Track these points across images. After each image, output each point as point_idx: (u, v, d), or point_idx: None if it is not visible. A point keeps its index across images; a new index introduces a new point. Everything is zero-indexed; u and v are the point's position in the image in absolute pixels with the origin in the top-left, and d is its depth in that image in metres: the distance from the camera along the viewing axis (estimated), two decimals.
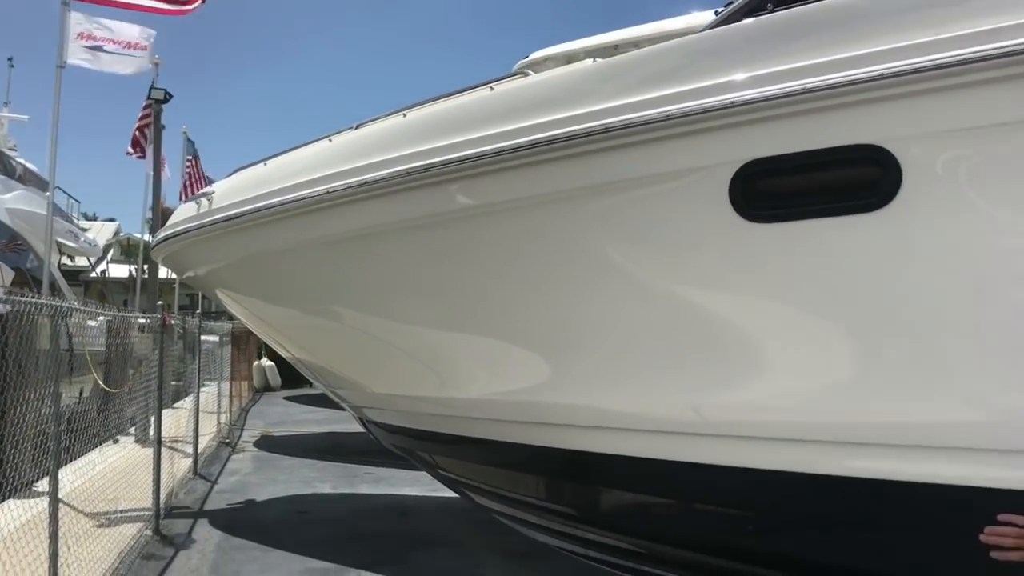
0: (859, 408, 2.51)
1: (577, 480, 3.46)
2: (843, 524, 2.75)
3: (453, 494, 6.43)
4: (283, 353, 4.76)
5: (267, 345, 17.73)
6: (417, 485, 7.26)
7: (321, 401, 14.70)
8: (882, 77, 2.19)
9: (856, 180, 2.33)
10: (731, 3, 2.74)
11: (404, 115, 3.36)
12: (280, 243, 3.58)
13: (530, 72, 3.05)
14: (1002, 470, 2.32)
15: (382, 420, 4.20)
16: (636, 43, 6.24)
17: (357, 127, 3.55)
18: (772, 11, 2.52)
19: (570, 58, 6.40)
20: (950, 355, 2.32)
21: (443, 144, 2.94)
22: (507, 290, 3.06)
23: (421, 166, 2.99)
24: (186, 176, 13.36)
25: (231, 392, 11.99)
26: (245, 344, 14.94)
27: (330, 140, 3.62)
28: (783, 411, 2.65)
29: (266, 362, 17.77)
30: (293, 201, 3.38)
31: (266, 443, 10.26)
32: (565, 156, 2.71)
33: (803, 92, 2.30)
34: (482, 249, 3.03)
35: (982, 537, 2.25)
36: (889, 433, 2.47)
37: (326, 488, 7.49)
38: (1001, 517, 2.23)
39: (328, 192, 3.23)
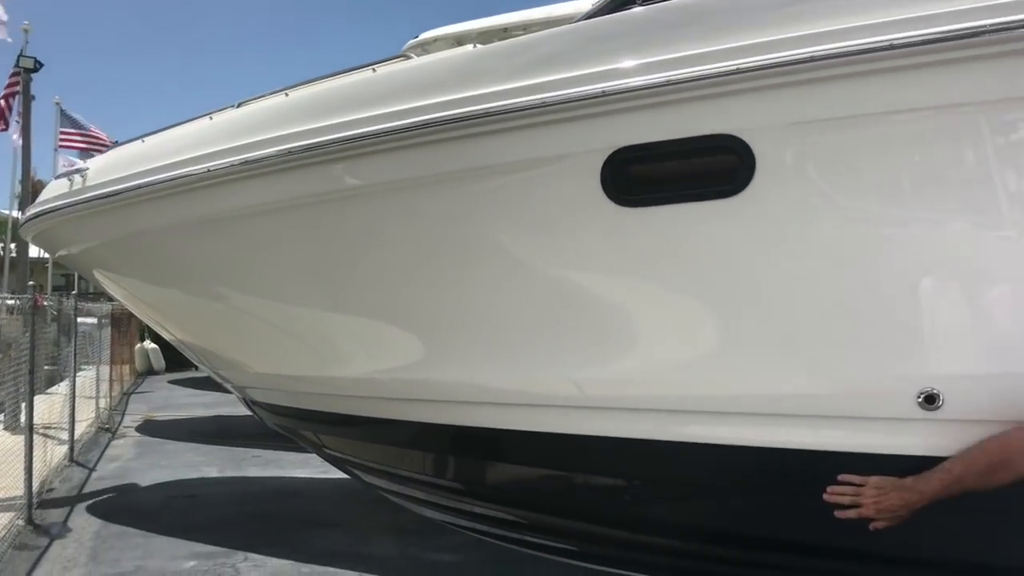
0: (722, 380, 2.69)
1: (462, 455, 3.56)
2: (713, 489, 2.95)
3: (343, 475, 6.47)
4: (165, 334, 4.67)
5: (150, 327, 17.16)
6: (307, 467, 7.22)
7: (207, 384, 14.28)
8: (737, 72, 2.35)
9: (714, 168, 2.50)
10: None
11: (287, 94, 3.35)
12: (159, 222, 3.52)
13: (413, 55, 3.10)
14: (846, 435, 2.54)
15: (266, 400, 4.19)
16: (526, 27, 6.35)
17: (238, 105, 3.52)
18: (640, 4, 2.66)
19: (459, 39, 6.45)
20: (797, 331, 2.52)
21: (325, 124, 2.97)
22: (388, 270, 3.12)
23: (303, 146, 3.00)
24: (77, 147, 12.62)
25: (111, 376, 11.54)
26: (126, 326, 14.39)
27: (211, 118, 3.57)
28: (656, 384, 2.81)
29: (149, 344, 17.12)
30: (172, 180, 3.33)
31: (149, 428, 9.95)
32: (445, 139, 2.79)
33: (667, 84, 2.45)
34: (363, 229, 3.07)
35: (825, 496, 2.49)
36: (749, 403, 2.66)
37: (212, 472, 7.36)
38: (840, 478, 2.47)
39: (209, 171, 3.20)
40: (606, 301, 2.84)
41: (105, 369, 10.89)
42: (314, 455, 7.17)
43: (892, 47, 2.20)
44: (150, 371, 17.10)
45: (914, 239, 2.35)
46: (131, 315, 15.51)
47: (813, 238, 2.43)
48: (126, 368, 14.42)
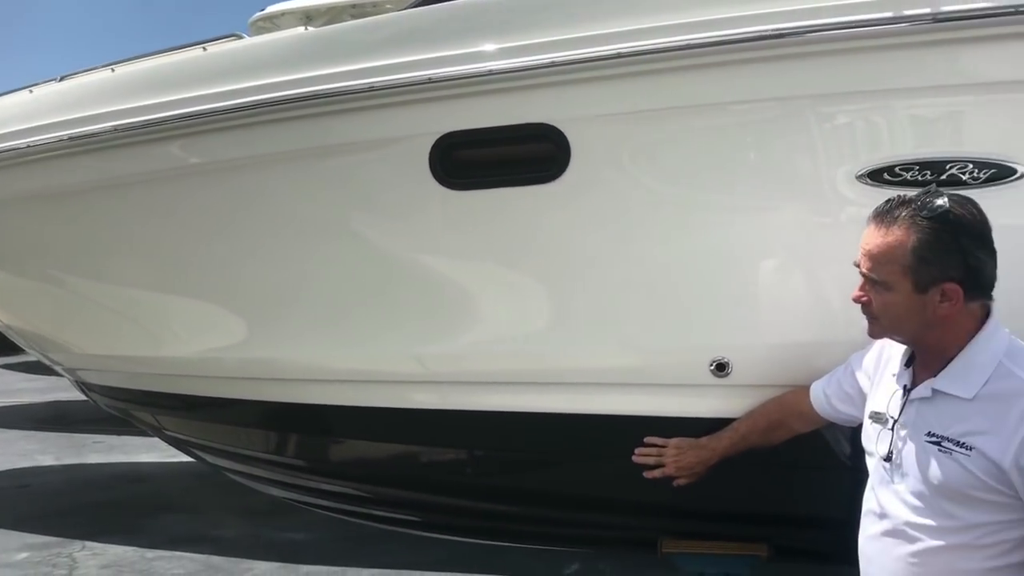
0: (549, 353, 2.88)
1: (304, 433, 3.61)
2: (548, 455, 3.15)
3: (190, 459, 6.35)
4: None
5: None
6: (154, 451, 7.02)
7: (41, 368, 13.51)
8: (552, 64, 2.52)
9: (535, 154, 2.66)
10: None
11: (113, 70, 3.28)
12: None
13: (243, 35, 3.11)
14: (654, 401, 2.78)
15: (100, 383, 4.09)
16: (376, 3, 6.36)
17: (61, 79, 3.40)
18: None
19: (308, 14, 6.41)
20: (610, 307, 2.74)
21: (154, 102, 2.94)
22: (224, 248, 3.14)
23: (130, 124, 2.96)
24: None
25: None
26: None
27: (31, 91, 3.44)
28: (490, 358, 2.97)
29: None
30: None
31: None
32: (275, 120, 2.83)
33: (489, 73, 2.59)
34: (195, 208, 3.07)
35: (634, 458, 2.74)
36: (575, 375, 2.86)
37: (48, 460, 7.04)
38: (646, 440, 2.72)
39: (30, 146, 3.10)
40: (439, 279, 2.98)
41: None
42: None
43: (689, 47, 2.43)
44: None
45: (707, 223, 2.60)
46: None
47: (622, 222, 2.65)
48: None
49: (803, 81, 2.41)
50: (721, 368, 2.57)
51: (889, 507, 1.82)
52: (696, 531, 2.97)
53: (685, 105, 2.52)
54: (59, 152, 3.10)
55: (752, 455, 2.60)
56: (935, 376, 1.77)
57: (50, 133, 3.10)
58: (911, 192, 1.79)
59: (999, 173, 2.26)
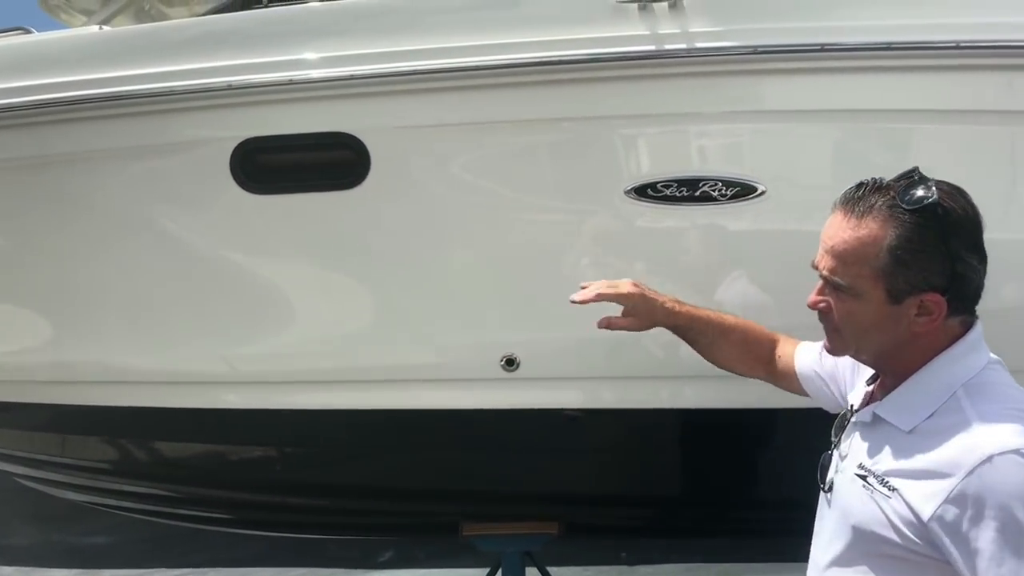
0: (352, 352, 3.01)
1: (107, 435, 3.54)
2: (354, 450, 3.29)
3: None
4: None
5: None
6: None
7: None
8: (352, 77, 2.65)
9: (336, 161, 2.78)
10: None
11: None
12: None
13: (33, 29, 3.01)
14: (450, 395, 2.97)
15: None
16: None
17: None
18: (267, 6, 2.87)
19: None
20: (407, 307, 2.90)
21: None
22: (21, 248, 3.07)
23: None
24: None
25: None
26: None
27: None
28: (292, 358, 3.05)
29: None
30: None
31: None
32: (71, 120, 2.79)
33: (290, 83, 2.68)
34: None
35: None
36: (375, 372, 2.99)
37: None
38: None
39: None
40: (242, 282, 3.03)
41: None
42: None
43: (478, 68, 2.62)
44: None
45: (495, 230, 2.81)
46: None
47: (418, 227, 2.81)
48: None
49: (578, 104, 2.67)
50: (511, 363, 2.80)
51: (816, 545, 1.57)
52: (494, 513, 3.20)
53: (476, 121, 2.72)
54: None
55: (535, 441, 2.87)
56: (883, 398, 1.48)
57: None
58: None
59: (743, 191, 2.61)
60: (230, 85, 2.69)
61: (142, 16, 6.09)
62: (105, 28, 3.04)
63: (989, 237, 1.40)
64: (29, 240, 3.07)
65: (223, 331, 3.06)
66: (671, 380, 2.81)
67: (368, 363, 2.99)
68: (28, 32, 2.99)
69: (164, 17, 6.13)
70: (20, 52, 2.94)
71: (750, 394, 2.77)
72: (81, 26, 5.56)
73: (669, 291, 2.71)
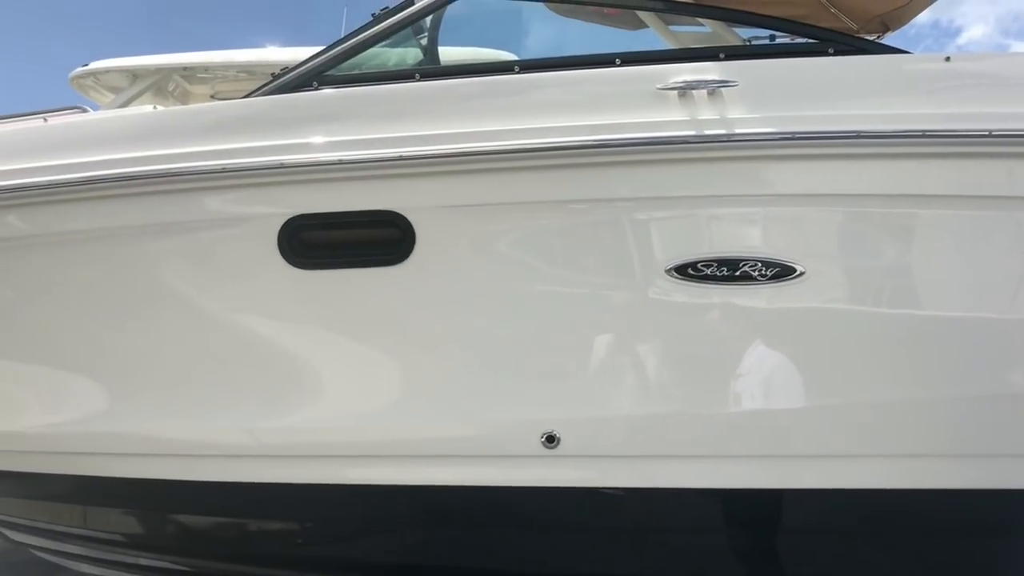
0: (387, 427, 3.02)
1: (129, 507, 3.52)
2: (382, 526, 3.25)
3: None
4: None
5: None
6: None
7: None
8: (400, 158, 2.73)
9: (379, 239, 2.84)
10: (282, 73, 3.12)
11: None
12: None
13: (88, 108, 3.11)
14: (489, 472, 2.97)
15: None
16: (207, 67, 6.36)
17: None
18: (317, 88, 2.97)
19: (136, 73, 6.28)
20: (449, 382, 2.92)
21: None
22: (67, 322, 3.09)
23: None
24: None
25: None
26: None
27: None
28: (327, 432, 3.06)
29: None
30: None
31: None
32: (122, 195, 2.85)
33: (339, 163, 2.76)
34: (34, 279, 3.00)
35: None
36: (411, 447, 3.00)
37: None
38: None
39: None
40: (281, 355, 3.05)
41: None
42: None
43: (523, 151, 2.71)
44: None
45: (538, 308, 2.85)
46: None
47: (462, 303, 2.86)
48: None
49: (621, 186, 2.75)
50: (551, 440, 2.81)
51: None
52: None
53: (519, 201, 2.79)
54: None
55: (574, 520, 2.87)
56: None
57: None
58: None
59: (783, 271, 2.67)
60: (282, 164, 2.77)
61: (166, 94, 6.27)
62: (159, 108, 3.13)
63: None
64: (70, 313, 3.10)
65: (257, 404, 3.07)
66: (718, 459, 2.83)
67: (405, 438, 3.00)
68: (84, 111, 3.08)
69: (188, 95, 6.32)
70: (77, 130, 3.03)
71: (804, 475, 2.81)
72: (108, 103, 5.71)
73: (707, 369, 2.80)
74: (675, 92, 2.72)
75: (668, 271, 2.70)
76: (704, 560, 3.08)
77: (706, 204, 2.74)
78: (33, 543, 4.02)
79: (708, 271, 2.68)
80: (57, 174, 2.84)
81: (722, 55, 2.87)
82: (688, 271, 2.69)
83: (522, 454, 2.86)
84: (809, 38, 3.00)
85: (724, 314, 2.76)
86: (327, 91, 2.99)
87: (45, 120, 3.06)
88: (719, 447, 2.84)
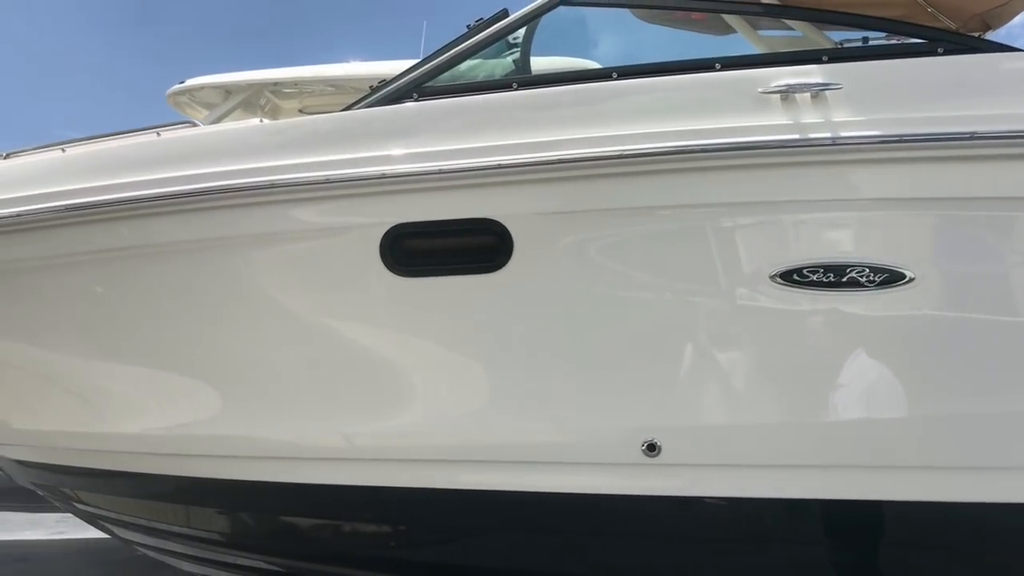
0: (480, 432, 3.04)
1: (230, 508, 3.63)
2: (476, 532, 3.26)
3: (83, 536, 6.09)
4: None
5: None
6: (39, 528, 6.68)
7: None
8: (498, 167, 2.77)
9: (478, 246, 2.88)
10: (381, 86, 3.20)
11: (63, 150, 3.33)
12: None
13: (199, 123, 3.23)
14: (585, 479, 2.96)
15: (18, 456, 3.98)
16: (297, 83, 6.55)
17: (6, 156, 3.42)
18: (416, 100, 3.03)
19: (229, 89, 6.50)
20: (545, 388, 2.93)
21: (108, 183, 3.01)
22: (176, 328, 3.20)
23: (80, 203, 3.02)
24: None
25: None
26: None
27: None
28: (421, 436, 3.10)
29: None
30: None
31: None
32: (233, 206, 2.96)
33: (439, 172, 2.81)
34: (147, 287, 3.12)
35: None
36: (506, 452, 3.02)
37: None
38: None
39: None
40: (380, 361, 3.11)
41: None
42: (47, 515, 6.73)
43: (621, 156, 2.71)
44: None
45: (637, 314, 2.84)
46: None
47: (560, 309, 2.87)
48: None
49: (722, 191, 2.73)
50: (652, 448, 2.80)
51: None
52: None
53: (620, 207, 2.79)
54: (5, 229, 3.11)
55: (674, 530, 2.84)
56: None
57: None
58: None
59: (892, 277, 2.60)
60: (383, 174, 2.83)
61: (256, 109, 6.48)
62: (265, 121, 3.24)
63: None
64: (179, 321, 3.22)
65: (350, 408, 3.13)
66: (819, 470, 2.77)
67: (501, 443, 3.02)
68: (195, 125, 3.20)
69: (278, 110, 6.52)
70: (188, 143, 3.16)
71: (908, 487, 2.73)
72: (204, 119, 5.92)
73: (812, 377, 2.75)
74: (777, 96, 2.69)
75: (772, 277, 2.66)
76: (802, 573, 3.02)
77: (812, 209, 2.69)
78: (138, 540, 4.18)
79: (814, 277, 2.63)
80: (171, 186, 2.96)
81: (825, 57, 2.82)
82: (793, 277, 2.65)
83: (622, 462, 2.85)
84: (917, 38, 2.92)
85: (829, 321, 2.71)
86: (426, 102, 3.04)
87: (158, 134, 3.20)
88: (822, 457, 2.78)
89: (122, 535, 4.23)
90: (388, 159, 2.87)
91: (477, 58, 3.28)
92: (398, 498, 3.18)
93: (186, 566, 4.19)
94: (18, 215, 3.07)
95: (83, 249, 3.10)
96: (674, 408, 2.81)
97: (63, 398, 3.47)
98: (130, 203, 2.98)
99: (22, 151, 3.44)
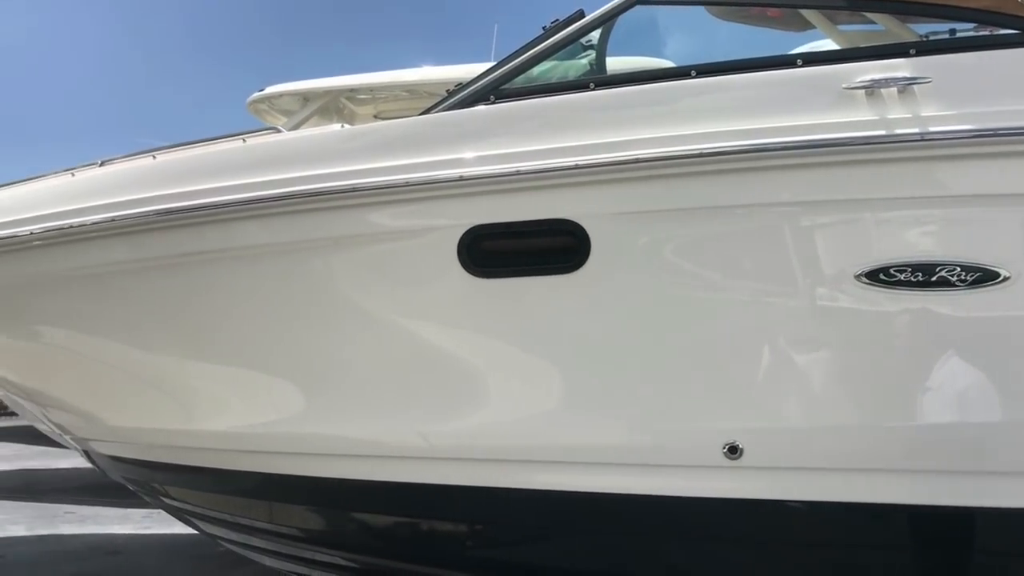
0: (557, 433, 3.05)
1: (311, 505, 3.71)
2: (549, 532, 3.26)
3: (169, 531, 6.30)
4: None
5: None
6: (127, 523, 6.94)
7: (6, 434, 13.16)
8: (576, 167, 2.77)
9: (555, 247, 2.88)
10: (458, 89, 3.23)
11: (154, 157, 3.46)
12: (18, 276, 3.48)
13: (282, 129, 3.32)
14: (662, 481, 2.94)
15: (112, 453, 4.15)
16: (372, 89, 6.67)
17: (102, 164, 3.57)
18: (493, 102, 3.05)
19: (306, 96, 6.67)
20: (624, 390, 2.92)
21: (197, 188, 3.12)
22: (261, 329, 3.29)
23: (169, 208, 3.13)
24: None
25: None
26: None
27: (72, 174, 3.59)
28: (498, 436, 3.12)
29: None
30: (33, 234, 3.33)
31: None
32: (315, 209, 3.02)
33: (517, 173, 2.82)
34: (235, 290, 3.22)
35: None
36: (582, 454, 3.01)
37: (20, 530, 6.85)
38: None
39: (71, 227, 3.24)
40: (458, 361, 3.14)
41: None
42: (135, 510, 6.98)
43: (699, 155, 2.69)
44: None
45: (717, 313, 2.81)
46: None
47: (638, 310, 2.86)
48: None
49: (806, 189, 2.67)
50: (733, 451, 2.76)
51: None
52: None
53: (699, 206, 2.76)
54: (98, 233, 3.24)
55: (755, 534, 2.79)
56: None
57: (90, 215, 3.24)
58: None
59: (984, 276, 2.51)
60: (461, 176, 2.86)
61: (333, 115, 6.62)
62: (346, 126, 3.31)
63: None
64: (264, 322, 3.31)
65: (428, 407, 3.17)
66: (907, 474, 2.69)
67: (578, 444, 3.02)
68: (278, 131, 3.29)
69: (354, 115, 6.65)
70: (273, 149, 3.25)
71: (999, 493, 2.64)
72: (283, 124, 6.08)
73: (900, 380, 2.67)
74: (862, 91, 2.62)
75: (857, 277, 2.60)
76: None
77: (900, 206, 2.61)
78: (222, 535, 4.31)
79: (901, 276, 2.56)
80: (258, 190, 3.04)
81: (913, 51, 2.74)
82: (879, 276, 2.58)
83: (703, 464, 2.82)
84: (1009, 28, 2.81)
85: (918, 321, 2.63)
86: (503, 104, 3.06)
87: (244, 141, 3.29)
88: (910, 462, 2.70)
89: (207, 530, 4.37)
90: (466, 161, 2.90)
91: (552, 60, 3.29)
92: (475, 497, 3.21)
93: (267, 561, 4.30)
94: (112, 220, 3.20)
95: (168, 253, 3.22)
96: (757, 410, 2.77)
97: (153, 396, 3.61)
98: (218, 208, 3.08)
99: (114, 159, 3.59)
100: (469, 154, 2.92)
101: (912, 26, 3.76)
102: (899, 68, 2.65)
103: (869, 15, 3.88)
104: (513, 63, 3.15)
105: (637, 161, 2.73)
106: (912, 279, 2.55)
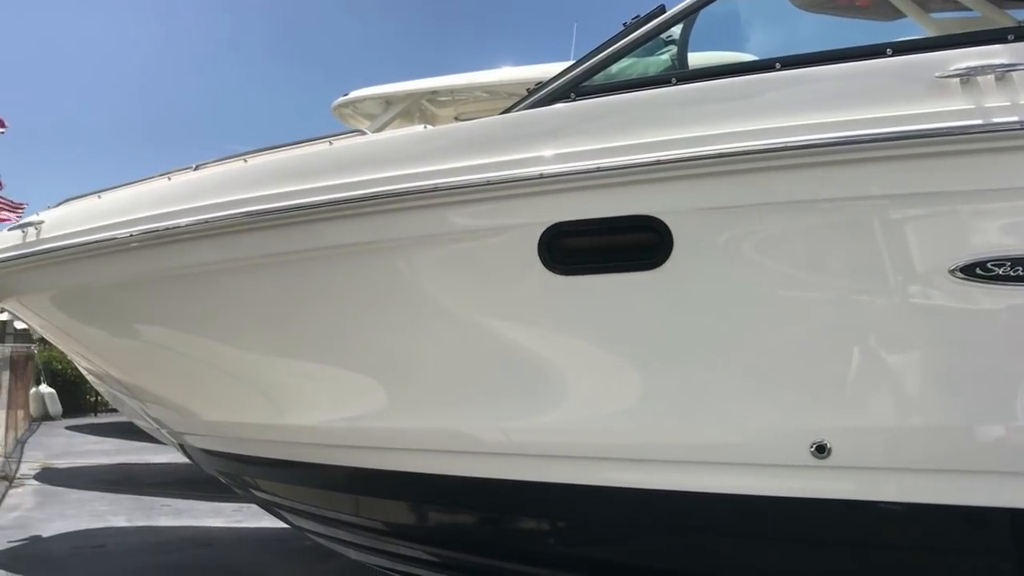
0: (637, 431, 3.03)
1: (395, 499, 3.78)
2: (629, 529, 3.24)
3: (258, 525, 6.50)
4: (99, 382, 4.70)
5: (46, 370, 16.46)
6: (219, 516, 7.20)
7: (108, 430, 13.80)
8: (657, 163, 2.74)
9: (637, 244, 2.86)
10: (538, 88, 3.24)
11: (245, 160, 3.58)
12: (119, 276, 3.65)
13: (367, 131, 3.39)
14: (749, 480, 2.89)
15: (206, 446, 4.31)
16: (452, 91, 6.73)
17: (196, 168, 3.72)
18: (574, 100, 3.05)
19: (389, 100, 6.77)
20: (707, 387, 2.88)
21: (286, 190, 3.22)
22: (347, 326, 3.38)
23: (262, 209, 3.24)
24: None
25: (6, 422, 11.05)
26: (23, 369, 13.79)
27: (169, 178, 3.75)
28: (578, 433, 3.12)
29: (45, 389, 16.31)
30: (134, 236, 3.49)
31: (49, 476, 9.57)
32: (399, 209, 3.08)
33: (598, 170, 2.81)
34: (325, 287, 3.31)
35: None
36: (664, 452, 2.99)
37: (120, 521, 7.19)
38: None
39: (168, 229, 3.39)
40: (538, 357, 3.15)
41: (1, 414, 10.45)
42: (226, 504, 7.22)
43: (782, 149, 2.63)
44: (45, 416, 16.32)
45: (807, 310, 2.75)
46: (28, 357, 14.90)
47: (722, 307, 2.81)
48: (20, 413, 13.77)
49: (898, 181, 2.59)
50: (821, 450, 2.69)
51: None
52: None
53: (786, 201, 2.71)
54: (192, 235, 3.38)
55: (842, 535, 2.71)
56: None
57: (186, 217, 3.38)
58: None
59: None
60: (542, 174, 2.87)
61: (414, 118, 6.71)
62: (428, 127, 3.36)
63: None
64: (352, 320, 3.39)
65: (508, 404, 3.19)
66: (1004, 477, 2.58)
67: (660, 442, 2.99)
68: (363, 134, 3.36)
69: (435, 117, 6.72)
70: (359, 151, 3.33)
71: None
72: (367, 127, 6.19)
73: (994, 378, 2.56)
74: (957, 79, 2.53)
75: (952, 271, 2.51)
76: None
77: (998, 198, 2.52)
78: (310, 528, 4.42)
79: (999, 271, 2.46)
80: (346, 191, 3.12)
81: (1011, 36, 2.62)
82: (976, 271, 2.48)
83: (789, 463, 2.76)
84: None
85: (1017, 317, 2.52)
86: (584, 102, 3.06)
87: (331, 143, 3.38)
88: (1007, 464, 2.59)
89: (295, 522, 4.49)
90: (546, 159, 2.91)
91: (631, 57, 3.27)
92: (555, 494, 3.21)
93: (353, 554, 4.39)
94: (205, 222, 3.32)
95: (261, 253, 3.33)
96: (845, 409, 2.69)
97: (245, 391, 3.73)
98: (300, 209, 3.17)
99: (208, 163, 3.73)
100: (549, 152, 2.93)
101: (1010, 11, 3.60)
102: (997, 55, 2.54)
103: (964, 1, 3.73)
104: (593, 60, 3.14)
105: (720, 156, 2.69)
106: (1011, 273, 2.45)
